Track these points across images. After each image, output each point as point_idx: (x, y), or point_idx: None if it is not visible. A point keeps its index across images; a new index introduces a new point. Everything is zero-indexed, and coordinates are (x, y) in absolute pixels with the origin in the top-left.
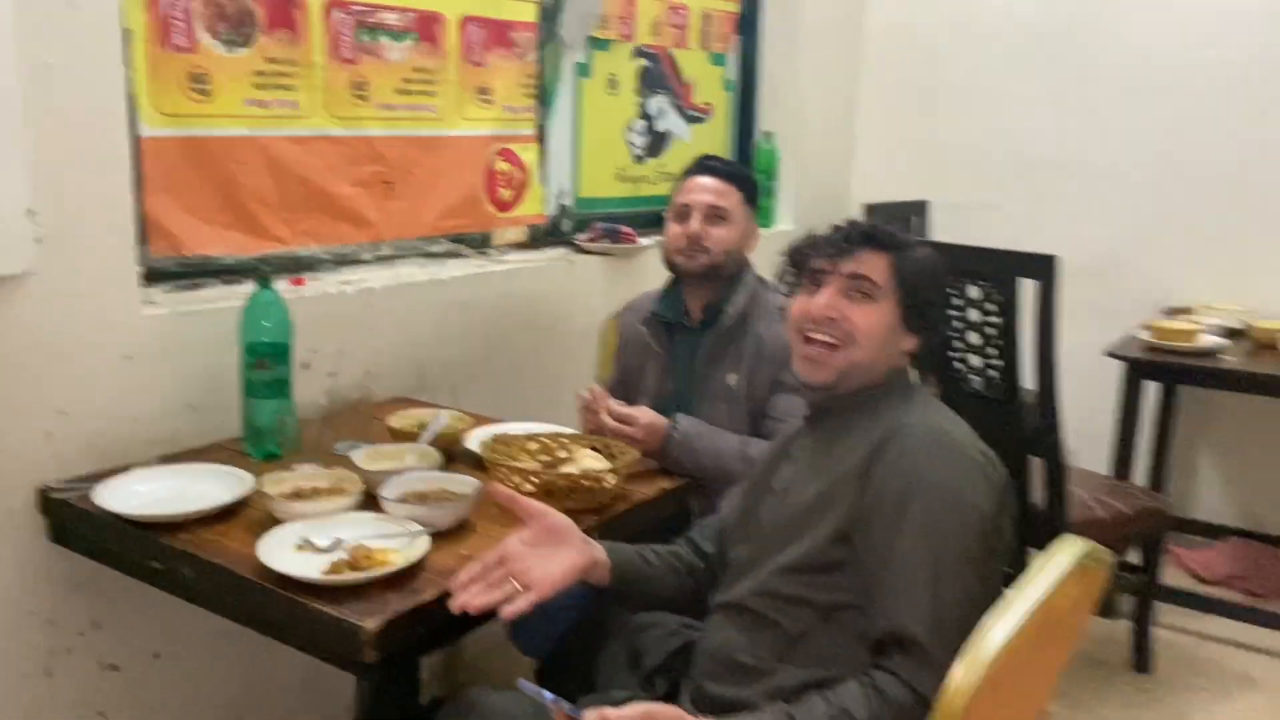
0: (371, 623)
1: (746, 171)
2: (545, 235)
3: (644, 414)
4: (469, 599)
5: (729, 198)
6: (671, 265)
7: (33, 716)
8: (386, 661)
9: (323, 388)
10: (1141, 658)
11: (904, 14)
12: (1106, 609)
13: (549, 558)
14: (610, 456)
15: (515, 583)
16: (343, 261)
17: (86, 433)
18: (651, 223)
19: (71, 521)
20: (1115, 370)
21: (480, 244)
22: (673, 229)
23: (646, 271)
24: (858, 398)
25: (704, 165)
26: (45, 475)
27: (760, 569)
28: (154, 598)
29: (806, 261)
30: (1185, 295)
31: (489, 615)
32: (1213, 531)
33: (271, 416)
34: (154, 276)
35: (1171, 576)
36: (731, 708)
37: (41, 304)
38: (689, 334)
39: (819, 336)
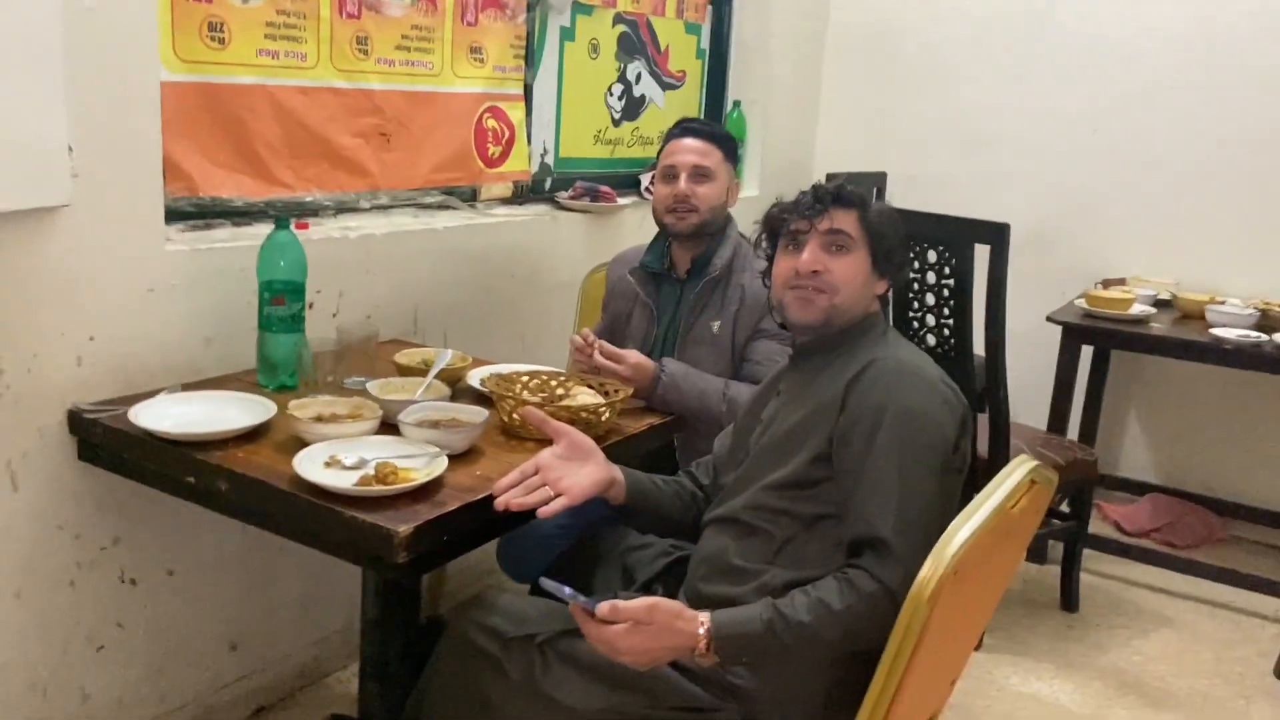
0: (404, 528)
1: (725, 130)
2: (528, 192)
3: (632, 355)
4: (510, 499)
5: (711, 157)
6: (661, 224)
7: (57, 623)
8: (414, 563)
9: (327, 327)
10: (1069, 599)
11: None
12: (1038, 555)
13: (577, 470)
14: (604, 394)
15: (549, 489)
16: (343, 209)
17: (113, 359)
18: (626, 184)
19: (102, 440)
20: (1054, 334)
21: (469, 197)
22: (660, 190)
23: (624, 229)
24: (838, 338)
25: (685, 128)
26: (75, 397)
27: (750, 487)
28: (170, 518)
29: (784, 225)
30: (1119, 267)
31: (500, 529)
32: (1135, 487)
33: (286, 350)
34: (170, 216)
35: (1096, 528)
36: (724, 604)
37: (75, 236)
38: (674, 284)
39: (806, 287)
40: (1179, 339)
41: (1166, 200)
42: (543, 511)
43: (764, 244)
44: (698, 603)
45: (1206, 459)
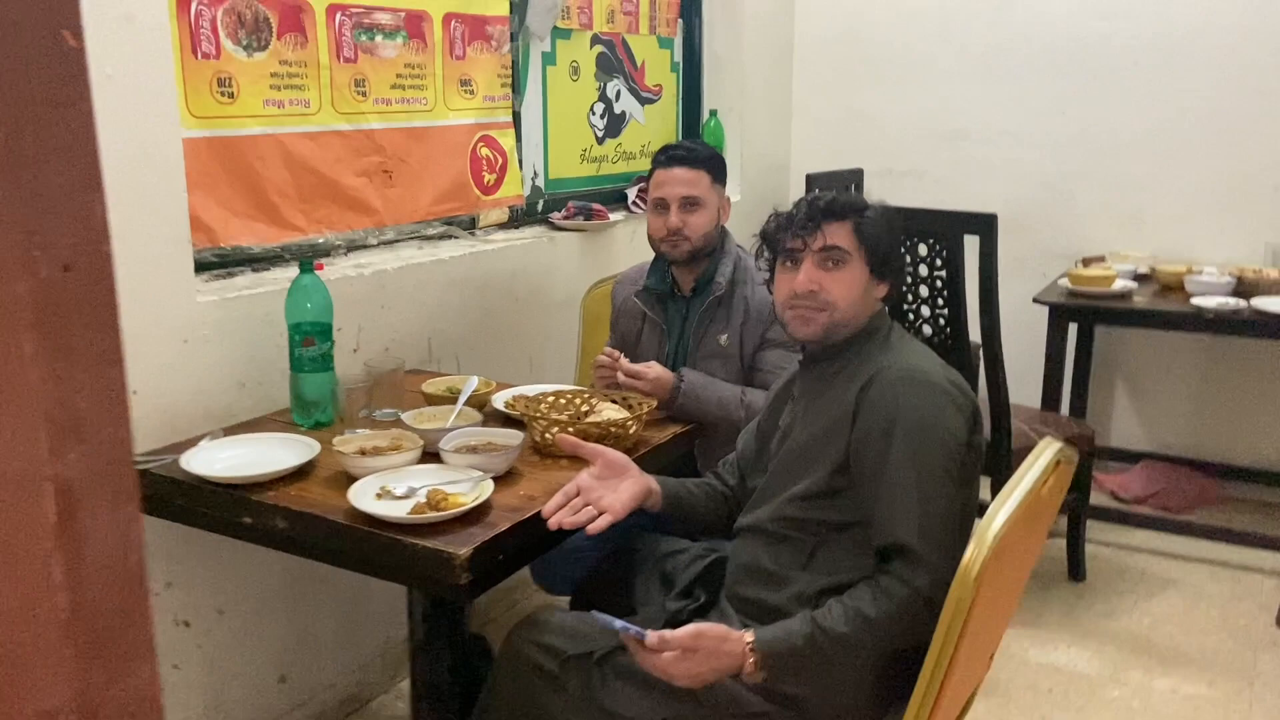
0: (463, 550)
1: (710, 150)
2: (523, 215)
3: (652, 369)
4: (561, 519)
5: (699, 184)
6: (658, 251)
7: None
8: (473, 584)
9: (349, 363)
10: (1076, 569)
11: None
12: None
13: (615, 487)
14: (629, 408)
15: (593, 509)
16: (352, 247)
17: (154, 410)
18: (613, 199)
19: (153, 490)
20: (1039, 315)
21: (468, 225)
22: (653, 221)
23: (616, 245)
24: (845, 345)
25: (671, 156)
26: None
27: (776, 497)
28: (217, 559)
29: (779, 242)
30: (1097, 245)
31: (546, 544)
32: (1128, 456)
33: (319, 389)
34: (195, 268)
35: (1093, 498)
36: (763, 606)
37: None
38: (680, 301)
39: (804, 305)
40: (1162, 311)
41: (1136, 177)
42: (591, 529)
43: (764, 257)
44: (739, 604)
45: (1194, 424)
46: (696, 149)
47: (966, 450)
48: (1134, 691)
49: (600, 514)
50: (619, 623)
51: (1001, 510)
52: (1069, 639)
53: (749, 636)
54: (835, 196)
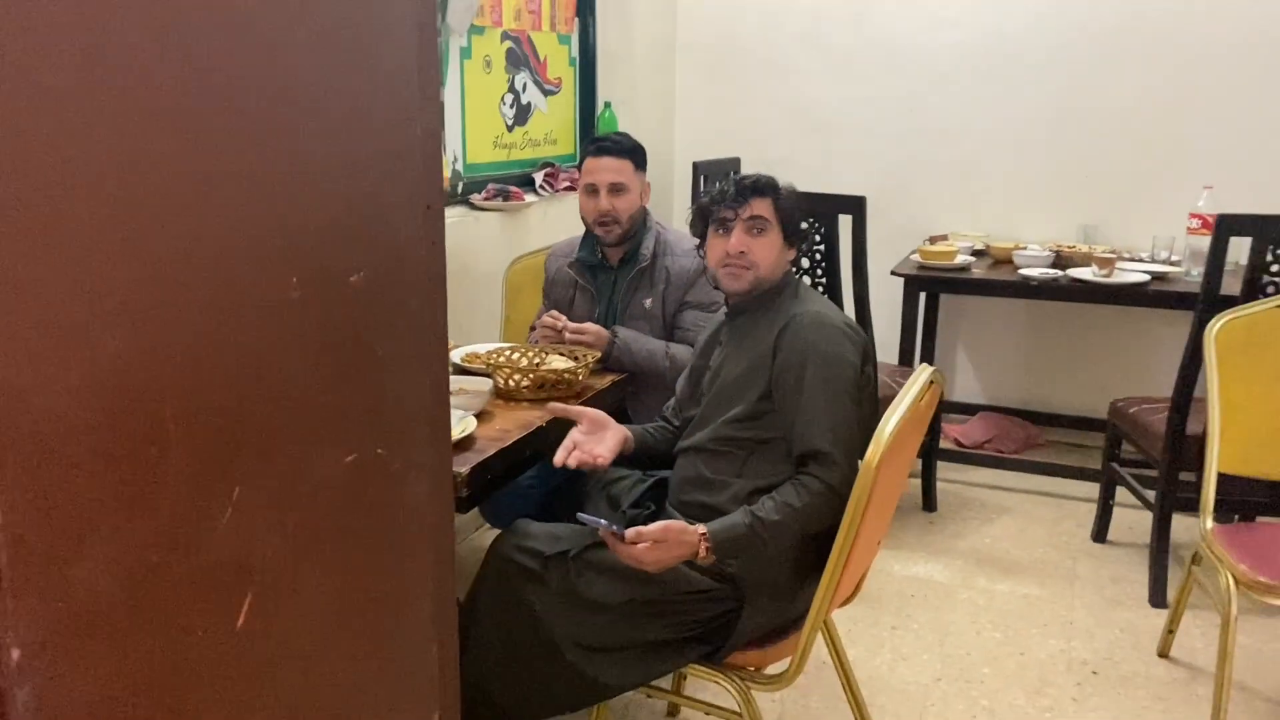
0: (464, 469)
1: (633, 142)
2: (447, 196)
3: (591, 327)
4: (569, 461)
5: (624, 171)
6: (591, 231)
7: None
8: (468, 498)
9: None
10: (929, 501)
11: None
12: None
13: (602, 438)
14: (574, 359)
15: (588, 456)
16: None
17: None
18: (523, 183)
19: None
20: (896, 285)
21: None
22: (585, 203)
23: (531, 224)
24: (763, 298)
25: (600, 146)
26: None
27: (713, 422)
28: None
29: (714, 212)
30: (940, 226)
31: (518, 471)
32: (968, 408)
33: None
34: None
35: (941, 444)
36: (706, 507)
37: None
38: (609, 271)
39: (734, 264)
40: (995, 280)
41: (972, 168)
42: (591, 469)
43: (697, 224)
44: (684, 507)
45: (1020, 378)
46: (622, 140)
47: (861, 375)
48: (980, 593)
49: (597, 458)
50: (602, 521)
51: (893, 416)
52: (925, 556)
53: (702, 528)
54: (759, 177)
